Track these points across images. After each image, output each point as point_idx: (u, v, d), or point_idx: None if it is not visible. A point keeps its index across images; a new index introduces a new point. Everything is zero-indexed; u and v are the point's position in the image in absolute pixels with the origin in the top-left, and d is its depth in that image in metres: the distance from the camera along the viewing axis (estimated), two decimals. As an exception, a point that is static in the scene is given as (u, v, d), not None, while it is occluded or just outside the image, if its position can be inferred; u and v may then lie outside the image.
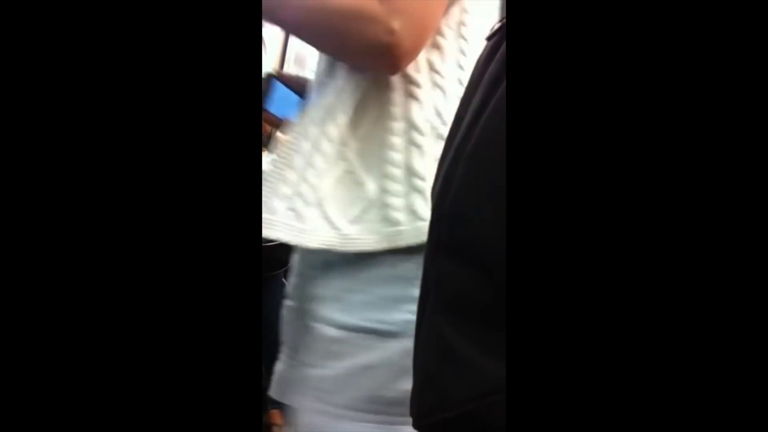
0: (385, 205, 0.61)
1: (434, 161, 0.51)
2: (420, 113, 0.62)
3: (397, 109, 0.62)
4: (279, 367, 0.68)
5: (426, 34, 0.62)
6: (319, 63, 0.72)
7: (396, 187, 0.61)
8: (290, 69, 2.03)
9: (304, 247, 0.64)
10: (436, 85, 0.63)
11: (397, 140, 0.62)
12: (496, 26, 0.46)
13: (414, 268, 0.55)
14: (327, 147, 0.62)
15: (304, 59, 2.05)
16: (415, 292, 0.45)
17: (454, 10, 0.65)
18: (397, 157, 0.61)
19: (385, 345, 0.60)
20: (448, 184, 0.40)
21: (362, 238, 0.61)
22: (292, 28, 0.71)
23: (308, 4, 0.64)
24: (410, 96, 0.63)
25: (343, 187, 0.63)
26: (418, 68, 0.62)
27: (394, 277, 0.61)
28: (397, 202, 0.61)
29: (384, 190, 0.61)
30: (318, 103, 0.66)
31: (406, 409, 0.42)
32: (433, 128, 0.62)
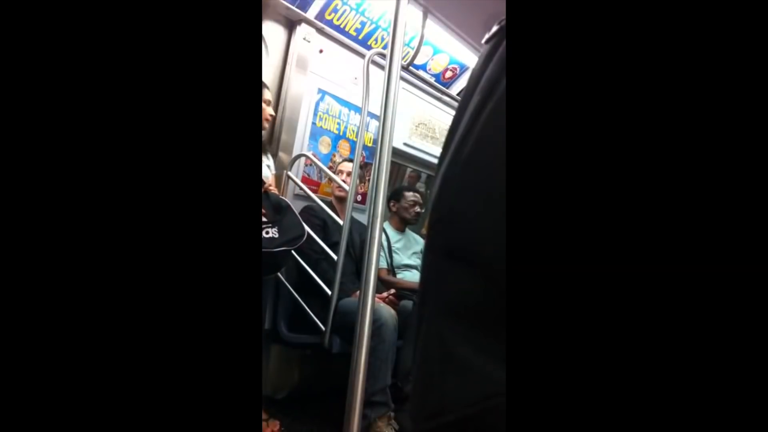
0: None
1: None
2: None
3: None
4: None
5: None
6: None
7: None
8: (292, 71, 2.02)
9: None
10: None
11: None
12: (495, 28, 0.46)
13: None
14: None
15: (306, 61, 2.05)
16: None
17: None
18: None
19: None
20: (447, 186, 0.40)
21: None
22: None
23: None
24: None
25: None
26: None
27: None
28: None
29: None
30: None
31: None
32: None
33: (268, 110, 1.55)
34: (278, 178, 2.01)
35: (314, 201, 1.87)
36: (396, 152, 2.55)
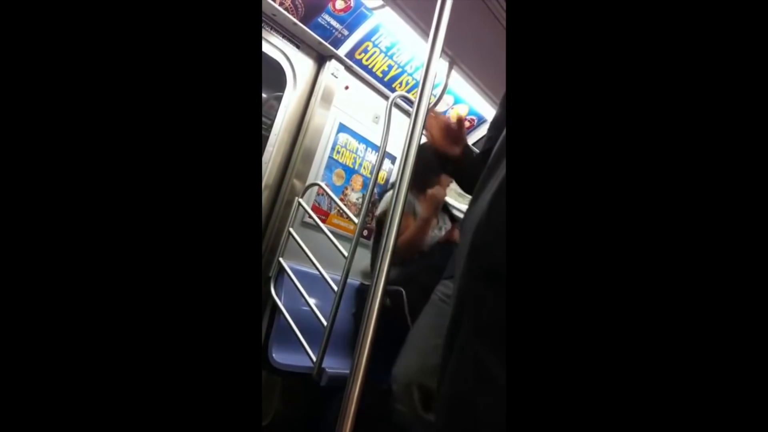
0: None
1: None
2: None
3: None
4: None
5: None
6: None
7: None
8: (317, 102, 2.09)
9: None
10: None
11: None
12: None
13: None
14: None
15: (331, 95, 2.12)
16: None
17: None
18: None
19: None
20: (493, 213, 0.42)
21: None
22: None
23: None
24: None
25: None
26: None
27: None
28: None
29: None
30: None
31: None
32: None
33: None
34: (289, 203, 2.04)
35: (322, 230, 1.89)
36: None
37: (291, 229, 1.99)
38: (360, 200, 2.35)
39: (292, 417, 1.98)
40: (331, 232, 1.92)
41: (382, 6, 1.84)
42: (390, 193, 1.70)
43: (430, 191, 1.87)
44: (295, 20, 1.87)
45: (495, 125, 1.23)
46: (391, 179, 2.51)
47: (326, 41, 2.01)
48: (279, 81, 2.06)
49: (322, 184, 2.11)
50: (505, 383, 0.37)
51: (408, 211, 2.29)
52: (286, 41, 2.00)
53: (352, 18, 1.93)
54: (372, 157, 2.35)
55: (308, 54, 2.08)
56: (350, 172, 2.31)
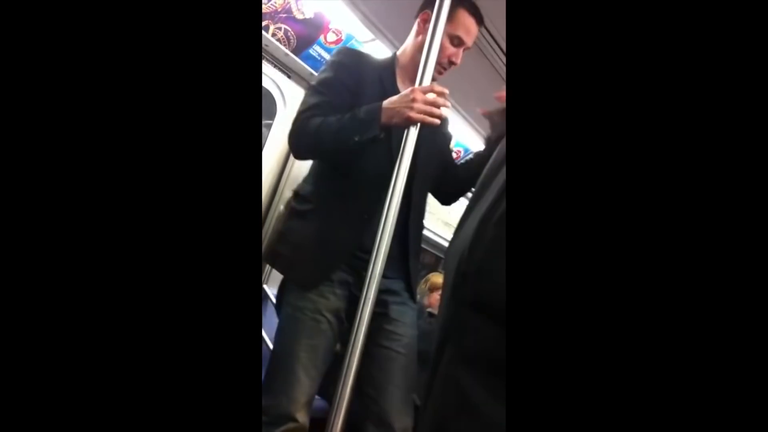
0: None
1: None
2: None
3: None
4: None
5: None
6: None
7: None
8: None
9: None
10: None
11: None
12: None
13: None
14: None
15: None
16: None
17: None
18: None
19: None
20: (477, 242, 0.42)
21: None
22: None
23: None
24: None
25: None
26: None
27: None
28: None
29: None
30: None
31: None
32: None
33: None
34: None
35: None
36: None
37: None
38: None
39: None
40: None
41: (373, 39, 1.89)
42: None
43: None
44: (287, 51, 1.91)
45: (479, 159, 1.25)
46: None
47: (317, 72, 2.05)
48: (269, 109, 2.08)
49: (310, 212, 2.11)
50: (487, 411, 0.37)
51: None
52: (277, 71, 2.03)
53: (343, 50, 1.98)
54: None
55: (299, 84, 2.11)
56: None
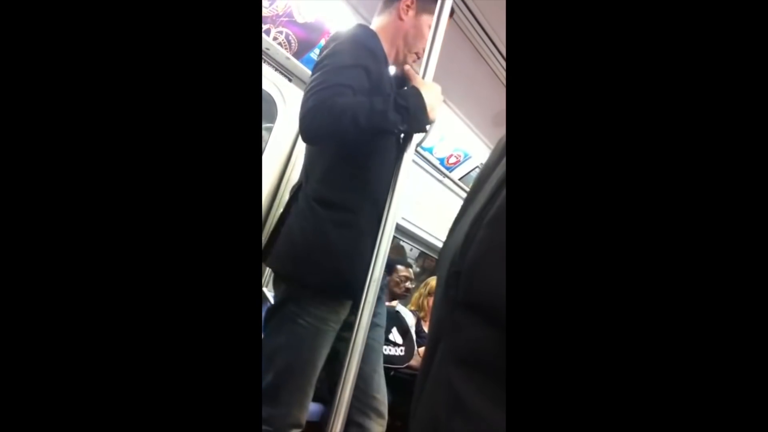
0: None
1: None
2: None
3: None
4: None
5: None
6: None
7: None
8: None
9: None
10: None
11: None
12: None
13: None
14: None
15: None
16: None
17: None
18: None
19: None
20: (469, 242, 0.42)
21: None
22: None
23: None
24: None
25: None
26: None
27: None
28: None
29: None
30: None
31: None
32: None
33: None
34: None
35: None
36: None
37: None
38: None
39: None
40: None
41: (374, 44, 1.90)
42: None
43: None
44: (287, 54, 1.92)
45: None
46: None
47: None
48: (270, 112, 2.09)
49: (310, 215, 2.11)
50: (480, 411, 0.37)
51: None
52: (278, 74, 2.04)
53: (344, 54, 1.99)
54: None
55: (300, 87, 2.12)
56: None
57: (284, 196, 2.08)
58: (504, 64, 1.77)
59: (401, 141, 0.97)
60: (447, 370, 0.40)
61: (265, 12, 1.76)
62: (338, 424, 0.86)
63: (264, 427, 0.98)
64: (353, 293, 0.97)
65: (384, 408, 1.12)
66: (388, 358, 1.61)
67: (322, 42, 1.92)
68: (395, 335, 1.82)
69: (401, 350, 1.82)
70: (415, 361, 2.18)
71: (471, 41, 1.67)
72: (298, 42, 1.90)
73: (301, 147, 2.11)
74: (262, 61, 1.97)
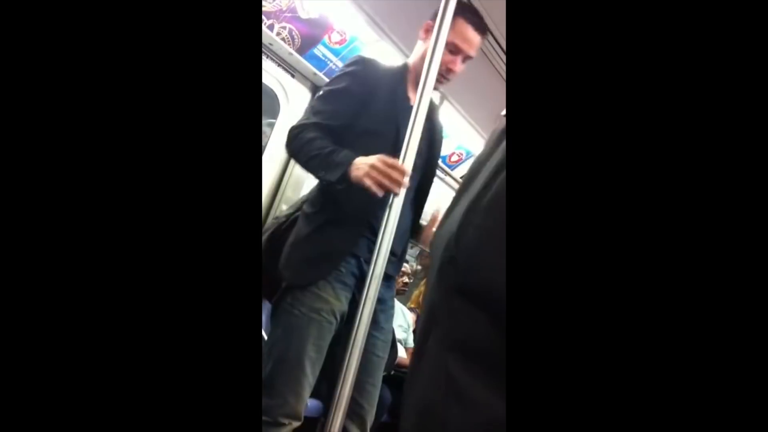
0: None
1: None
2: None
3: None
4: None
5: None
6: None
7: None
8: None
9: None
10: None
11: None
12: None
13: None
14: None
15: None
16: None
17: None
18: None
19: None
20: (465, 229, 0.43)
21: None
22: None
23: None
24: None
25: None
26: None
27: None
28: None
29: None
30: None
31: None
32: None
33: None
34: (276, 229, 2.03)
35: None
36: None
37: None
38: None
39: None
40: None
41: (377, 40, 1.90)
42: None
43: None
44: (291, 50, 1.92)
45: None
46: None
47: (321, 72, 2.05)
48: (272, 108, 2.09)
49: (311, 211, 2.11)
50: (473, 395, 0.37)
51: None
52: (281, 70, 2.04)
53: (347, 51, 1.99)
54: (361, 187, 2.37)
55: (303, 83, 2.12)
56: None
57: (286, 191, 2.08)
58: (505, 59, 1.76)
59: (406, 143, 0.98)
60: (442, 355, 0.40)
61: (268, 7, 1.75)
62: (337, 422, 0.86)
63: (262, 417, 1.02)
64: (303, 280, 1.11)
65: (369, 418, 1.17)
66: None
67: (326, 38, 1.91)
68: None
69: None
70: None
71: (474, 39, 1.66)
72: (302, 38, 1.90)
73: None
74: (266, 56, 1.96)
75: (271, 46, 1.92)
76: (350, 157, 1.04)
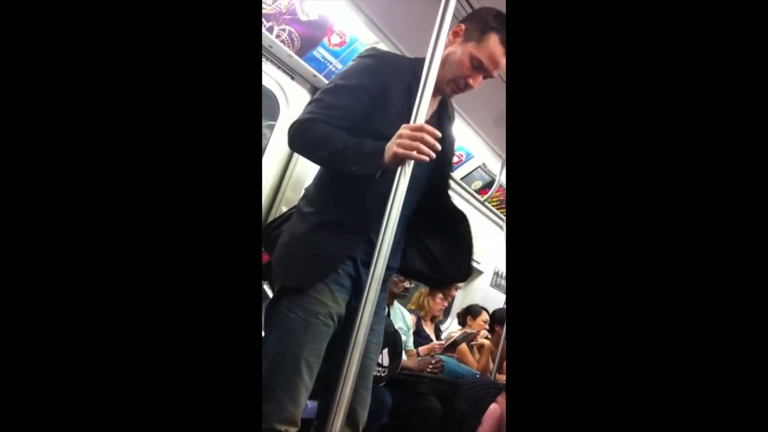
0: None
1: None
2: None
3: None
4: None
5: None
6: None
7: None
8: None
9: None
10: None
11: None
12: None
13: None
14: None
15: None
16: None
17: None
18: None
19: None
20: None
21: None
22: None
23: None
24: None
25: None
26: None
27: None
28: None
29: None
30: None
31: None
32: None
33: None
34: (276, 231, 2.04)
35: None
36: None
37: (277, 257, 1.98)
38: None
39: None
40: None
41: (377, 42, 1.89)
42: None
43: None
44: (290, 52, 1.92)
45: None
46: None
47: (320, 74, 2.05)
48: (272, 110, 2.09)
49: (311, 213, 2.11)
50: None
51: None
52: (281, 72, 2.04)
53: (347, 53, 1.99)
54: (361, 188, 2.37)
55: (302, 85, 2.12)
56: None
57: (286, 193, 2.08)
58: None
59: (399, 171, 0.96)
60: None
61: (268, 10, 1.75)
62: (337, 425, 0.86)
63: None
64: (300, 282, 1.07)
65: (362, 422, 1.15)
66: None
67: (325, 40, 1.91)
68: (384, 357, 1.83)
69: (383, 371, 1.85)
70: (412, 362, 2.18)
71: (474, 41, 1.66)
72: (301, 40, 1.90)
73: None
74: (265, 58, 1.97)
75: (270, 49, 1.92)
76: (380, 146, 0.98)
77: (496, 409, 2.11)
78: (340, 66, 2.03)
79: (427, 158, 0.94)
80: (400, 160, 0.94)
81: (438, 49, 0.96)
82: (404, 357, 2.19)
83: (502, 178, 2.83)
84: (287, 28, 1.85)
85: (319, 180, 1.18)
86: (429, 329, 2.59)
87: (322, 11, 1.82)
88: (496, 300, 3.37)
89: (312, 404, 1.58)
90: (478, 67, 1.11)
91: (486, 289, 3.58)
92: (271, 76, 2.02)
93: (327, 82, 2.05)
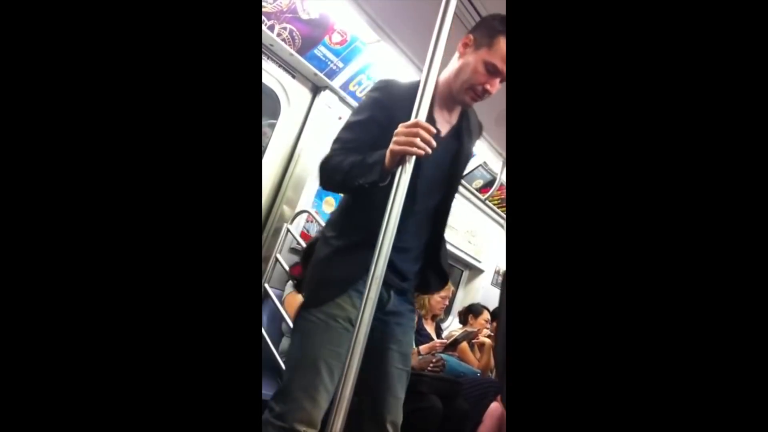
0: None
1: None
2: None
3: None
4: None
5: None
6: None
7: None
8: (309, 130, 2.10)
9: None
10: None
11: None
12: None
13: None
14: None
15: (324, 125, 2.13)
16: None
17: None
18: None
19: None
20: None
21: None
22: None
23: None
24: None
25: None
26: None
27: None
28: None
29: None
30: None
31: None
32: None
33: None
34: (278, 230, 2.04)
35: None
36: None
37: (278, 255, 1.98)
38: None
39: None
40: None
41: (378, 41, 1.89)
42: None
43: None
44: (291, 51, 1.92)
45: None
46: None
47: (321, 72, 2.05)
48: (273, 109, 2.09)
49: (312, 211, 2.11)
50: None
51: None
52: (282, 70, 2.04)
53: (348, 51, 1.99)
54: (362, 187, 2.38)
55: (303, 84, 2.12)
56: (339, 200, 2.32)
57: (287, 192, 2.08)
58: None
59: (399, 173, 0.96)
60: None
61: (269, 8, 1.75)
62: (338, 422, 0.86)
63: (278, 423, 1.01)
64: (323, 299, 1.12)
65: (394, 428, 1.17)
66: None
67: (326, 39, 1.91)
68: None
69: None
70: (413, 360, 2.18)
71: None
72: (302, 38, 1.90)
73: (304, 143, 2.11)
74: (266, 57, 1.97)
75: (271, 47, 1.92)
76: (382, 153, 1.01)
77: (497, 407, 2.12)
78: (341, 65, 2.03)
79: (423, 152, 0.95)
80: (399, 159, 0.96)
81: (438, 49, 0.96)
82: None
83: (502, 177, 2.83)
84: (288, 26, 1.85)
85: (340, 206, 1.25)
86: (430, 328, 2.60)
87: (323, 10, 1.82)
88: (497, 299, 3.37)
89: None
90: (494, 71, 1.12)
91: (487, 288, 3.59)
92: (272, 75, 2.02)
93: (327, 80, 2.07)
